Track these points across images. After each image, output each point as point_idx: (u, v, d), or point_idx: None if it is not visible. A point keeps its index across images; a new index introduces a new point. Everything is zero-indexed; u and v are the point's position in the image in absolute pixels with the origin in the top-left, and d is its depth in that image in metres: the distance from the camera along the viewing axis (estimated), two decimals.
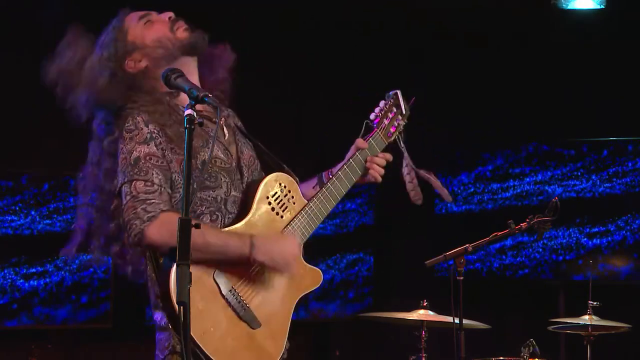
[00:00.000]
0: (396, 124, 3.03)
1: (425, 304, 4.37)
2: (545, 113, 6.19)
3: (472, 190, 6.06)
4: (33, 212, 5.14)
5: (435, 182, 3.05)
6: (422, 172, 3.04)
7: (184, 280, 2.24)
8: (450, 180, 6.11)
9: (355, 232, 6.02)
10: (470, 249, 3.69)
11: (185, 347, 2.25)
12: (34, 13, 5.36)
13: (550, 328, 4.64)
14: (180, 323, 2.25)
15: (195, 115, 2.34)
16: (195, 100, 2.41)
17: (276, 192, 2.79)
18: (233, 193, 2.77)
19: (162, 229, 2.56)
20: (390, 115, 3.02)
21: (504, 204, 5.97)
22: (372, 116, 2.98)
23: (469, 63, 6.24)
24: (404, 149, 3.01)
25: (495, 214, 5.95)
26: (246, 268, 2.69)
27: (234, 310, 2.65)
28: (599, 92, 6.08)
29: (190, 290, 2.44)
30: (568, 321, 4.58)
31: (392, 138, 3.02)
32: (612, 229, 5.75)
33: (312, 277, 2.85)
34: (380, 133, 2.99)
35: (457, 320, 3.64)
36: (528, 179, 5.95)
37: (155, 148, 2.67)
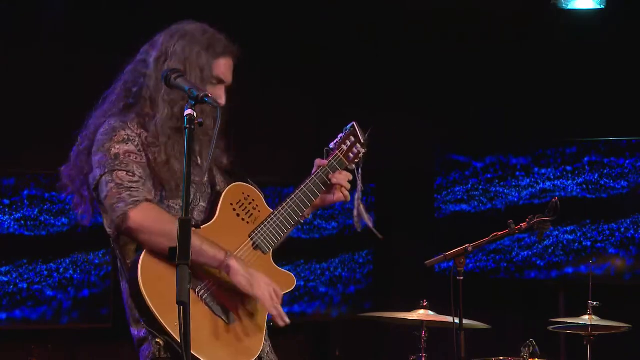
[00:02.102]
0: (355, 151, 3.16)
1: (425, 304, 4.37)
2: (545, 113, 6.19)
3: (472, 190, 6.05)
4: (32, 213, 5.14)
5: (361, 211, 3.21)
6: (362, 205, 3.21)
7: (184, 280, 2.24)
8: (450, 180, 6.11)
9: (356, 232, 6.00)
10: (470, 249, 3.69)
11: (185, 347, 2.25)
12: (34, 13, 5.36)
13: (550, 328, 4.64)
14: (180, 322, 2.26)
15: (195, 115, 2.35)
16: (195, 100, 2.43)
17: (240, 200, 2.89)
18: (202, 203, 2.86)
19: (145, 214, 2.64)
20: (348, 143, 3.16)
21: (504, 204, 5.97)
22: (331, 145, 3.15)
23: (468, 63, 6.24)
24: (359, 178, 3.16)
25: (495, 214, 5.95)
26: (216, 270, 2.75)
27: (208, 305, 2.71)
28: (599, 92, 6.08)
29: (166, 284, 2.55)
30: (568, 321, 4.58)
31: (352, 163, 3.15)
32: (613, 228, 5.74)
33: (285, 280, 2.92)
34: (340, 154, 3.12)
35: (457, 320, 3.65)
36: (528, 179, 5.94)
37: (133, 147, 2.73)
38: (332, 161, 3.09)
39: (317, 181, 3.04)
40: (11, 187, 5.11)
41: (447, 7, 5.88)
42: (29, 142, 5.33)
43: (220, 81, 2.88)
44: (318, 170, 3.06)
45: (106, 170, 2.69)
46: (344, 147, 3.13)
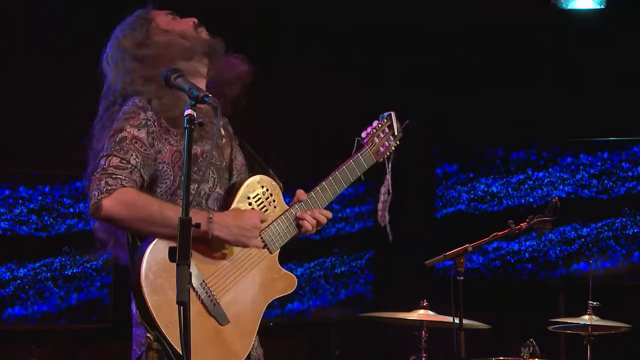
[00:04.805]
0: (387, 144, 3.08)
1: (425, 304, 4.37)
2: (545, 113, 6.19)
3: (471, 190, 6.05)
4: (33, 212, 5.14)
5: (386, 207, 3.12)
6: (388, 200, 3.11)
7: (184, 280, 2.24)
8: (450, 181, 6.12)
9: (356, 232, 6.02)
10: (470, 249, 3.70)
11: (185, 346, 2.25)
12: (34, 13, 5.36)
13: (550, 328, 4.64)
14: (180, 322, 2.26)
15: (195, 115, 2.35)
16: (195, 100, 2.43)
17: (257, 194, 2.84)
18: (218, 190, 2.82)
19: (118, 202, 2.58)
20: (381, 135, 3.07)
21: (505, 204, 5.97)
22: (363, 134, 3.03)
23: (468, 62, 6.24)
24: (389, 172, 3.07)
25: (495, 214, 5.95)
26: (218, 263, 2.73)
27: (203, 304, 2.68)
28: (599, 92, 6.08)
29: (163, 279, 2.56)
30: (568, 321, 4.58)
31: (382, 157, 3.06)
32: (613, 228, 5.74)
33: (286, 282, 2.88)
34: (369, 150, 3.03)
35: (457, 320, 3.65)
36: (528, 179, 5.94)
37: (145, 134, 2.70)
38: (361, 158, 2.99)
39: (344, 176, 2.95)
40: (11, 187, 5.11)
41: (448, 7, 5.88)
42: (29, 142, 5.33)
43: None
44: (346, 169, 2.94)
45: (105, 153, 2.67)
46: (376, 140, 3.04)
